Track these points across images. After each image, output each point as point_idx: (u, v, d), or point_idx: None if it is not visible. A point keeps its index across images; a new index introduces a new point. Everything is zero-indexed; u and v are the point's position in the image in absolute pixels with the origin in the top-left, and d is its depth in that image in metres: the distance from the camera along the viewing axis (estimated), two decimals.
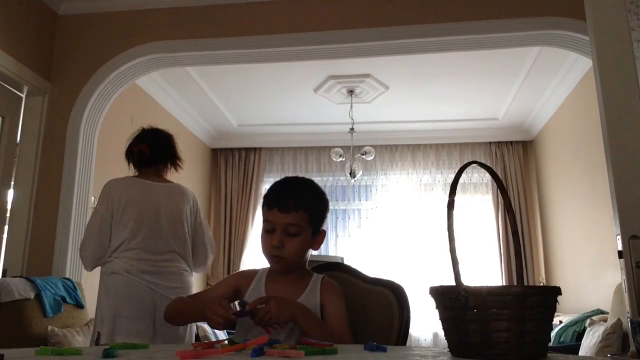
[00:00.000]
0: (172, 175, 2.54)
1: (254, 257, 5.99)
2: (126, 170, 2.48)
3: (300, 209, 1.36)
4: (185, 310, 1.44)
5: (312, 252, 1.47)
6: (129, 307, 2.17)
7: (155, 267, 2.25)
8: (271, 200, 1.38)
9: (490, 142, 6.13)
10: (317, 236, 1.43)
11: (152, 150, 2.41)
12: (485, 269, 5.78)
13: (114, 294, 2.20)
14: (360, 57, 3.86)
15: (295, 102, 5.42)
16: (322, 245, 6.60)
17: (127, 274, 2.20)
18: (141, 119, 4.57)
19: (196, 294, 1.55)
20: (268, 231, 1.38)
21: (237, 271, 1.82)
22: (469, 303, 0.87)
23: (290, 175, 6.68)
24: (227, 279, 1.51)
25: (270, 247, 1.37)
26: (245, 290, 1.44)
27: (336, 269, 1.60)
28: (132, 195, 2.32)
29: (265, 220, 1.39)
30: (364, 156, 5.16)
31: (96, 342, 2.19)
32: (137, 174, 2.45)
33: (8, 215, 3.34)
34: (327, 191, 6.24)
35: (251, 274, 1.48)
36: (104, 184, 2.40)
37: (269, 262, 1.41)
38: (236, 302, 1.25)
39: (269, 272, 1.46)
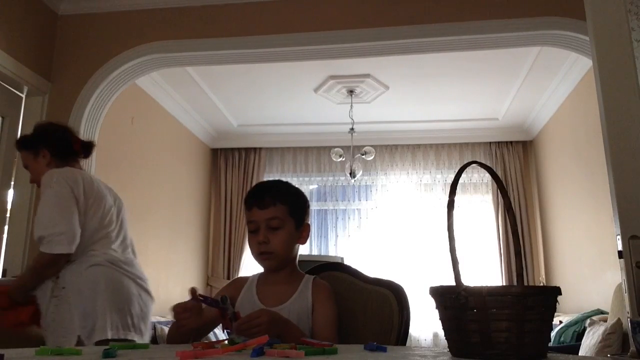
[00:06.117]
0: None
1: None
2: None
3: (278, 202, 1.42)
4: (175, 331, 1.39)
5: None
6: (116, 301, 2.04)
7: (125, 257, 2.18)
8: (250, 201, 1.44)
9: (490, 142, 6.12)
10: (302, 230, 1.47)
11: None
12: (485, 269, 5.78)
13: (103, 286, 2.03)
14: (360, 57, 3.86)
15: (295, 102, 5.42)
16: (323, 245, 6.53)
17: (110, 265, 2.07)
18: (141, 119, 4.58)
19: None
20: (253, 232, 1.43)
21: (232, 279, 1.77)
22: (469, 303, 0.87)
23: (289, 175, 6.67)
24: (220, 292, 1.52)
25: (257, 246, 1.41)
26: (237, 297, 1.44)
27: (336, 269, 1.61)
28: (91, 187, 2.16)
29: (248, 223, 1.44)
30: (364, 156, 5.16)
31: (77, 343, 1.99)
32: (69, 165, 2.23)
33: (8, 215, 3.34)
34: (327, 191, 6.34)
35: (243, 280, 1.51)
36: (56, 172, 2.13)
37: (259, 262, 1.45)
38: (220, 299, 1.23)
39: (260, 276, 1.49)
